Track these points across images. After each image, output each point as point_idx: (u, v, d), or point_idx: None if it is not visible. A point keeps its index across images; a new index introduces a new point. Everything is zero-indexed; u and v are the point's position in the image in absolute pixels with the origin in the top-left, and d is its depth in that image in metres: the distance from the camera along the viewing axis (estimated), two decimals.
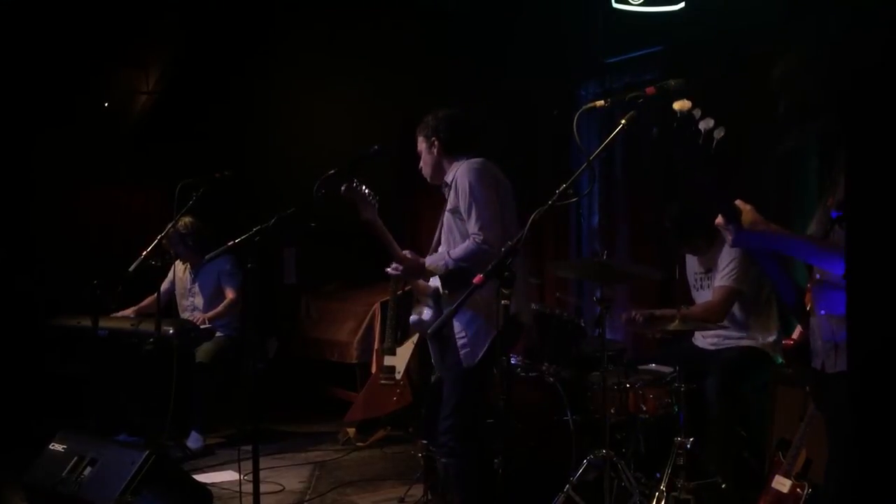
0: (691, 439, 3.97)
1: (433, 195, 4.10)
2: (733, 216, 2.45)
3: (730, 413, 4.31)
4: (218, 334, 5.81)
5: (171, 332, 5.29)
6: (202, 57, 6.92)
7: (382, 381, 5.87)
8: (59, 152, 6.68)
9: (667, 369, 4.51)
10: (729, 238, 2.49)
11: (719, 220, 2.49)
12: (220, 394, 5.89)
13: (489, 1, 6.15)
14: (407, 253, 3.84)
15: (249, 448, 3.67)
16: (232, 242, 3.77)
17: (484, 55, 6.48)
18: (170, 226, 4.92)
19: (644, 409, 4.34)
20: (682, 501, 3.90)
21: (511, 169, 3.97)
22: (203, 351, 5.71)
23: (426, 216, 7.19)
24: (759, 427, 4.46)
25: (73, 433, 4.28)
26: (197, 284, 6.05)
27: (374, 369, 6.12)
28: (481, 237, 3.60)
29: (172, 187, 4.64)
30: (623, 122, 2.76)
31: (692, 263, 4.77)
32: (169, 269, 6.13)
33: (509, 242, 2.80)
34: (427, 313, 3.97)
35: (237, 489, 4.28)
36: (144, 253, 4.60)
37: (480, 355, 3.63)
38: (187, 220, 5.72)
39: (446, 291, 3.79)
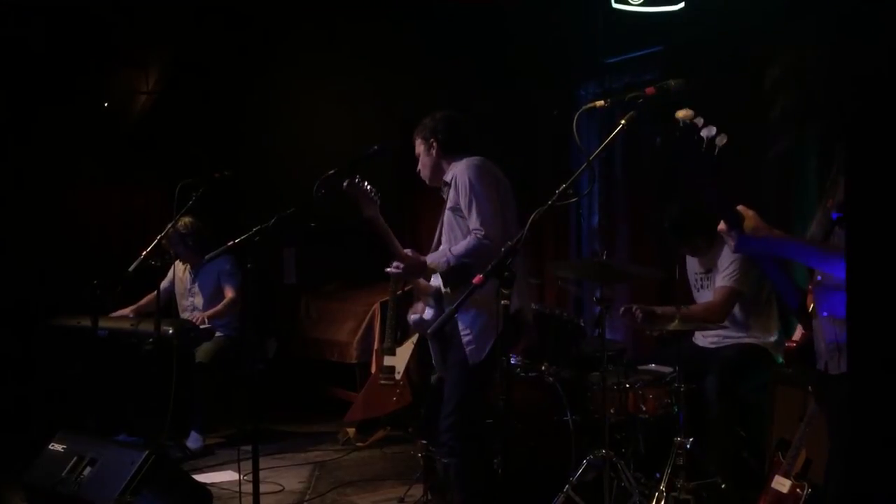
0: (691, 439, 3.97)
1: (433, 195, 4.10)
2: (735, 222, 2.45)
3: (729, 413, 4.31)
4: (218, 334, 5.81)
5: (170, 332, 5.29)
6: (202, 57, 6.92)
7: (382, 382, 5.87)
8: (58, 152, 6.67)
9: (666, 369, 4.51)
10: (731, 244, 2.49)
11: (722, 226, 2.49)
12: (219, 394, 5.89)
13: (489, 1, 6.15)
14: (408, 251, 3.84)
15: (249, 448, 3.67)
16: (232, 242, 3.77)
17: (484, 55, 6.48)
18: (169, 226, 4.92)
19: (644, 409, 4.34)
20: (682, 501, 3.90)
21: (511, 169, 3.98)
22: (203, 351, 5.71)
23: (426, 216, 7.18)
24: (758, 427, 4.46)
25: (72, 433, 4.28)
26: (197, 284, 6.05)
27: (373, 369, 6.12)
28: (482, 232, 3.61)
29: (172, 187, 4.64)
30: (623, 122, 2.77)
31: (692, 264, 4.77)
32: (169, 269, 6.13)
33: (509, 242, 2.80)
34: (428, 313, 3.97)
35: (237, 489, 4.28)
36: (144, 253, 4.60)
37: (487, 351, 3.64)
38: (187, 220, 5.72)
39: (448, 289, 3.79)
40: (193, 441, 5.65)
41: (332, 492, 4.91)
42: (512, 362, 4.54)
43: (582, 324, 4.97)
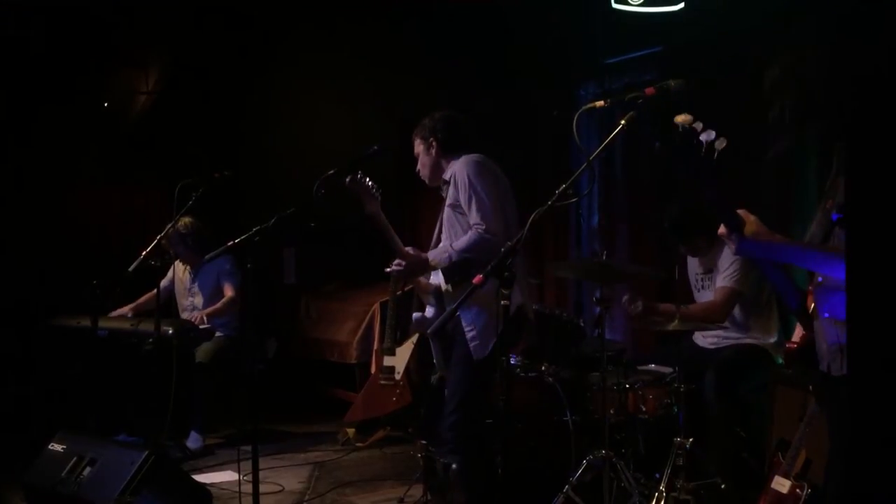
0: (691, 440, 3.97)
1: (433, 194, 4.11)
2: (735, 226, 2.45)
3: (729, 413, 4.31)
4: (217, 334, 5.81)
5: (170, 332, 5.29)
6: (202, 57, 6.92)
7: (382, 382, 5.87)
8: (58, 152, 6.67)
9: (666, 369, 4.51)
10: (732, 247, 2.49)
11: (722, 230, 2.49)
12: (219, 394, 5.89)
13: (489, 1, 6.15)
14: (409, 249, 3.84)
15: (249, 448, 3.67)
16: (232, 242, 3.77)
17: (484, 55, 6.48)
18: (169, 226, 4.92)
19: (643, 409, 4.35)
20: (682, 502, 3.90)
21: (511, 169, 3.98)
22: (203, 351, 5.71)
23: (426, 214, 7.18)
24: (758, 427, 4.46)
25: (72, 433, 4.27)
26: (196, 284, 6.05)
27: (373, 369, 6.12)
28: (483, 227, 3.62)
29: (172, 187, 4.64)
30: (623, 122, 2.77)
31: (693, 264, 4.77)
32: (168, 269, 6.13)
33: (509, 243, 2.81)
34: (429, 311, 3.97)
35: (236, 489, 4.28)
36: (144, 253, 4.60)
37: (490, 347, 3.65)
38: (187, 220, 5.71)
39: (449, 286, 3.79)
40: (193, 441, 5.65)
41: (332, 492, 4.91)
42: (512, 362, 4.54)
43: (582, 324, 4.97)
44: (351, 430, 5.96)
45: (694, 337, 4.72)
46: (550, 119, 6.17)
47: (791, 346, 2.89)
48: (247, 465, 3.79)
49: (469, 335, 3.68)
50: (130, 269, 4.53)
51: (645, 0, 5.14)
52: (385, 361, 5.90)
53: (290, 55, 7.00)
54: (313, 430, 6.39)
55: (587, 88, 6.33)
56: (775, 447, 3.85)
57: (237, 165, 5.34)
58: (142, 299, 5.98)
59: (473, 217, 3.66)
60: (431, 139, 3.89)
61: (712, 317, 4.43)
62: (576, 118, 2.81)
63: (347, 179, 3.71)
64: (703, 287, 4.68)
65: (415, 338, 5.81)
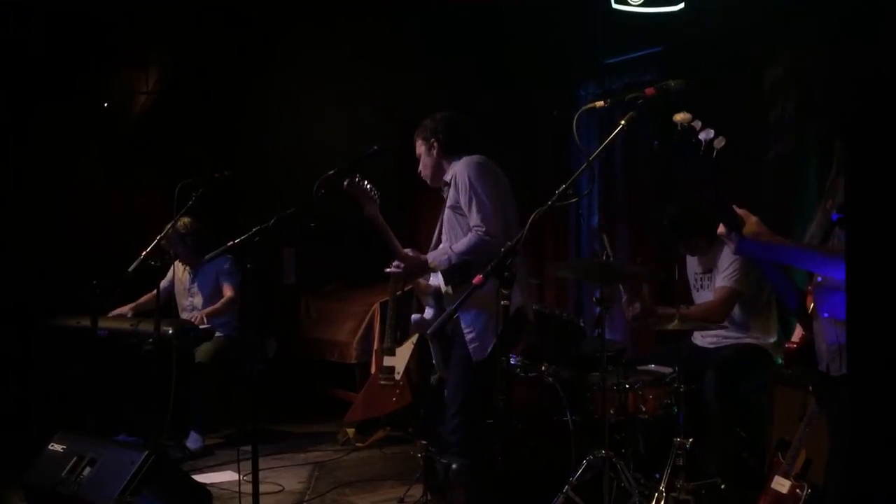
0: (691, 440, 3.97)
1: (433, 194, 4.11)
2: (735, 225, 2.45)
3: (729, 413, 4.31)
4: (217, 334, 5.81)
5: (170, 332, 5.28)
6: (202, 57, 6.92)
7: (382, 382, 5.87)
8: (58, 152, 6.67)
9: (666, 370, 4.51)
10: (731, 246, 2.49)
11: (721, 229, 2.49)
12: (219, 394, 5.89)
13: (489, 1, 6.15)
14: (408, 251, 3.84)
15: (249, 448, 3.67)
16: (232, 242, 3.77)
17: (484, 55, 6.48)
18: (169, 226, 4.92)
19: (643, 409, 4.34)
20: (682, 502, 3.90)
21: (511, 169, 3.98)
22: (202, 351, 5.71)
23: (426, 215, 7.18)
24: (758, 427, 4.46)
25: (72, 433, 4.27)
26: (196, 284, 6.05)
27: (373, 369, 6.12)
28: (483, 229, 3.62)
29: (172, 187, 4.64)
30: (623, 122, 2.77)
31: (692, 264, 4.77)
32: (168, 269, 6.13)
33: (509, 243, 2.81)
34: (428, 312, 3.97)
35: (236, 489, 4.28)
36: (144, 253, 4.59)
37: (489, 349, 3.64)
38: (186, 220, 5.71)
39: (449, 288, 3.79)
40: (193, 441, 5.64)
41: (332, 492, 4.91)
42: (512, 362, 4.54)
43: (582, 324, 4.97)
44: (351, 430, 5.96)
45: (693, 337, 4.72)
46: (550, 119, 6.16)
47: (790, 346, 2.89)
48: (247, 465, 3.79)
49: (468, 337, 3.68)
50: (130, 269, 4.53)
51: (645, 0, 5.14)
52: (385, 361, 5.90)
53: (290, 55, 7.00)
54: (313, 430, 6.39)
55: (587, 88, 6.33)
56: (775, 447, 3.85)
57: (237, 165, 5.34)
58: (142, 299, 5.98)
59: (473, 219, 3.66)
60: (433, 140, 3.90)
61: (711, 317, 4.42)
62: (576, 118, 2.81)
63: (345, 183, 3.72)
64: (702, 287, 4.68)
65: (415, 338, 5.81)
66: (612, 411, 4.22)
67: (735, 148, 2.42)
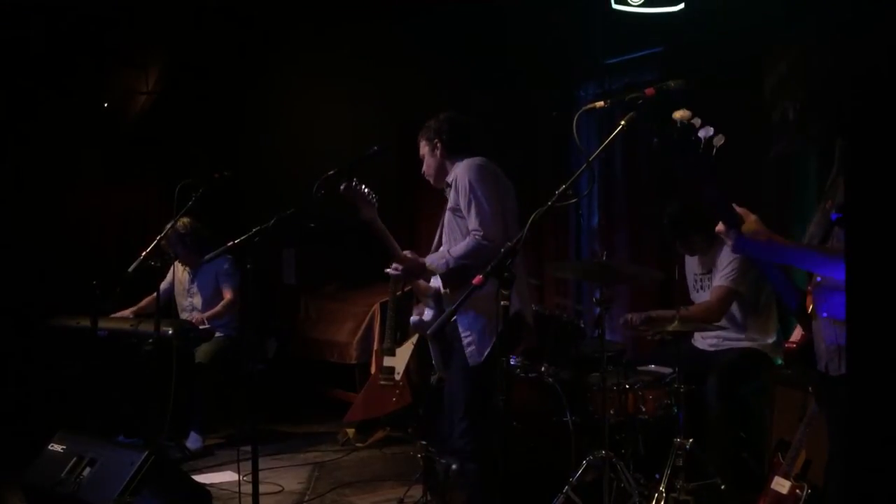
0: (690, 440, 3.97)
1: (432, 195, 4.11)
2: (734, 223, 2.45)
3: (729, 414, 4.31)
4: (217, 335, 5.81)
5: (170, 332, 5.29)
6: (201, 57, 6.92)
7: (382, 382, 5.87)
8: (58, 152, 6.67)
9: (666, 370, 4.51)
10: (729, 243, 2.49)
11: (720, 227, 2.49)
12: (219, 394, 5.89)
13: (489, 1, 6.15)
14: (407, 253, 3.84)
15: (248, 448, 3.67)
16: (231, 243, 3.77)
17: (484, 55, 6.48)
18: (169, 226, 4.92)
19: (643, 409, 4.34)
20: (682, 502, 3.90)
21: (511, 169, 3.98)
22: (202, 351, 5.71)
23: (426, 216, 7.18)
24: (758, 428, 4.46)
25: (72, 433, 4.27)
26: (196, 285, 6.05)
27: (373, 370, 6.12)
28: (481, 233, 3.62)
29: (171, 187, 4.64)
30: (623, 123, 2.76)
31: (692, 264, 4.77)
32: (169, 269, 6.13)
33: (509, 243, 2.80)
34: (428, 313, 3.97)
35: (236, 490, 4.28)
36: (144, 253, 4.59)
37: (486, 354, 3.64)
38: (186, 220, 5.71)
39: (447, 290, 3.79)
40: (193, 441, 5.64)
41: (332, 492, 4.91)
42: (512, 363, 4.54)
43: (582, 324, 4.97)
44: (351, 431, 5.96)
45: (693, 339, 4.72)
46: (550, 119, 6.16)
47: (790, 345, 2.89)
48: (246, 466, 3.79)
49: (465, 341, 3.67)
50: (130, 269, 4.52)
51: (645, 0, 5.14)
52: (385, 362, 5.90)
53: (289, 55, 7.00)
54: (313, 430, 6.39)
55: (587, 89, 6.32)
56: (775, 448, 3.86)
57: (237, 165, 5.35)
58: (143, 303, 5.97)
59: (472, 223, 3.66)
60: (436, 140, 3.89)
61: (709, 316, 4.42)
62: (576, 119, 2.81)
63: (342, 187, 3.71)
64: (701, 287, 4.67)
65: (414, 338, 5.81)
66: (612, 412, 4.22)
67: (735, 148, 2.41)
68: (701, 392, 4.29)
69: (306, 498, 4.83)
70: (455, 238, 3.77)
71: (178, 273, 6.16)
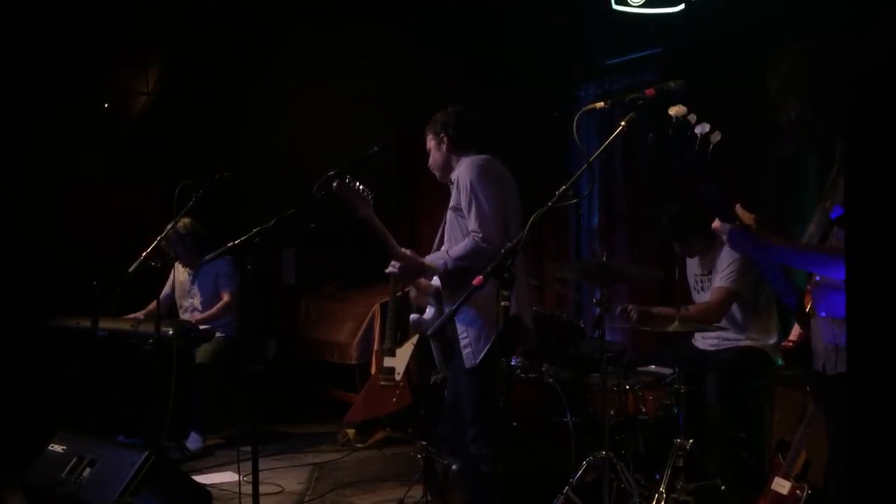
0: (691, 441, 3.97)
1: (432, 195, 4.11)
2: (729, 217, 2.45)
3: (729, 414, 4.31)
4: (218, 335, 5.81)
5: (170, 332, 5.29)
6: (202, 57, 6.92)
7: (382, 383, 5.87)
8: (58, 152, 6.67)
9: (666, 371, 4.51)
10: (725, 238, 2.49)
11: (716, 223, 2.49)
12: (219, 395, 5.89)
13: (489, 1, 6.15)
14: (406, 251, 3.82)
15: (249, 449, 3.66)
16: (232, 243, 3.76)
17: (484, 55, 6.48)
18: (169, 227, 4.92)
19: (643, 410, 4.34)
20: (682, 503, 3.90)
21: (511, 170, 3.97)
22: (203, 352, 5.71)
23: (426, 216, 7.18)
24: (758, 428, 4.46)
25: (72, 434, 4.27)
26: (196, 285, 6.05)
27: (373, 370, 6.12)
28: (480, 235, 3.60)
29: (171, 188, 4.64)
30: (623, 123, 2.76)
31: (692, 265, 4.78)
32: (170, 269, 6.13)
33: (509, 244, 2.80)
34: (429, 312, 3.96)
35: (236, 490, 4.28)
36: (144, 254, 4.59)
37: (481, 356, 3.63)
38: (186, 220, 5.71)
39: (447, 291, 3.79)
40: (193, 442, 5.64)
41: (332, 493, 4.91)
42: (512, 363, 4.53)
43: (582, 325, 4.97)
44: (351, 431, 5.96)
45: (693, 339, 4.72)
46: (550, 120, 6.16)
47: (787, 344, 2.89)
48: (247, 466, 3.78)
49: (462, 342, 3.66)
50: (130, 269, 4.52)
51: (645, 1, 5.14)
52: (385, 362, 5.90)
53: (289, 55, 7.00)
54: (313, 430, 6.39)
55: (587, 89, 6.32)
56: (775, 448, 3.85)
57: (237, 166, 5.34)
58: (151, 306, 5.95)
59: (472, 223, 3.64)
60: (442, 135, 3.87)
61: (709, 317, 4.42)
62: (576, 119, 2.81)
63: (335, 184, 3.65)
64: (702, 288, 4.68)
65: (415, 338, 5.80)
66: (612, 412, 4.22)
67: (736, 148, 2.41)
68: (701, 392, 4.29)
69: (306, 498, 4.83)
70: (456, 237, 3.76)
71: (179, 274, 6.16)
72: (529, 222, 2.72)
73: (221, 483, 4.92)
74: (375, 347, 6.26)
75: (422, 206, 7.29)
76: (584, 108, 2.88)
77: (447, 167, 3.90)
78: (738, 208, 2.48)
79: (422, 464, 4.44)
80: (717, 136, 2.31)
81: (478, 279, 2.73)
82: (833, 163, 2.66)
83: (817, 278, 2.63)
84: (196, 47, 6.84)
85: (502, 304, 2.76)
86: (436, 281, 3.89)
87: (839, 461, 2.65)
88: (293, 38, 6.91)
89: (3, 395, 5.65)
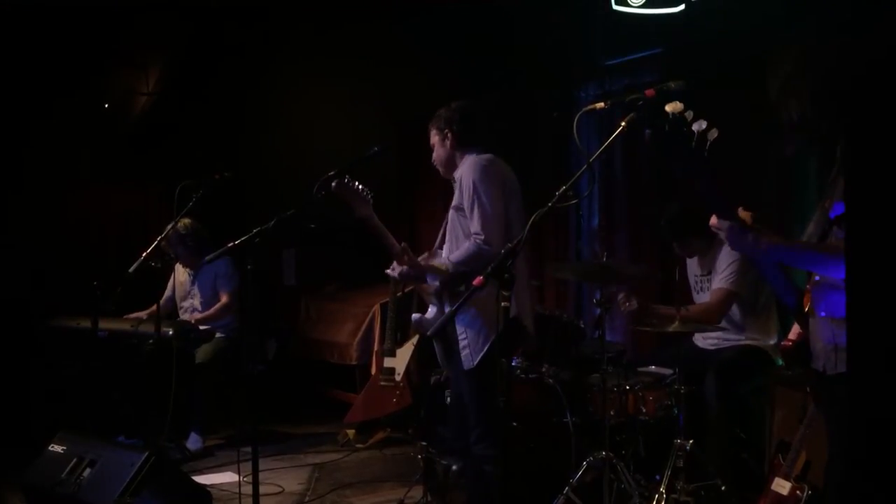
0: (691, 441, 3.97)
1: (432, 195, 4.11)
2: (727, 214, 2.45)
3: (729, 415, 4.31)
4: (218, 335, 5.81)
5: (170, 333, 5.29)
6: (201, 58, 6.92)
7: (382, 383, 5.87)
8: (58, 152, 6.67)
9: (666, 371, 4.51)
10: (723, 235, 2.48)
11: (714, 220, 2.48)
12: (219, 395, 5.89)
13: (489, 1, 6.15)
14: (405, 245, 3.79)
15: (249, 449, 3.66)
16: (232, 244, 3.76)
17: (484, 55, 6.48)
18: (169, 227, 4.92)
19: (644, 410, 4.34)
20: (682, 503, 3.90)
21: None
22: (203, 352, 5.72)
23: (426, 216, 7.19)
24: (758, 428, 4.46)
25: (72, 434, 4.27)
26: (196, 286, 6.05)
27: (373, 371, 6.12)
28: (482, 237, 3.58)
29: (172, 188, 4.64)
30: (623, 124, 2.76)
31: (692, 266, 4.78)
32: (170, 270, 6.13)
33: (509, 244, 2.79)
34: (431, 311, 3.95)
35: (236, 490, 4.28)
36: (144, 254, 4.59)
37: (478, 358, 3.61)
38: (186, 221, 5.71)
39: (447, 292, 3.78)
40: (193, 442, 5.64)
41: (332, 493, 4.91)
42: (513, 364, 4.53)
43: (582, 325, 4.97)
44: (351, 432, 5.96)
45: (694, 338, 4.72)
46: (550, 120, 6.16)
47: (787, 344, 2.89)
48: (247, 467, 3.78)
49: (461, 343, 3.65)
50: (131, 269, 4.52)
51: (645, 1, 5.14)
52: (385, 363, 5.90)
53: (290, 55, 7.00)
54: (313, 431, 6.39)
55: (587, 89, 6.32)
56: (775, 449, 3.85)
57: (237, 166, 5.34)
58: (153, 308, 5.95)
59: (474, 225, 3.61)
60: (447, 131, 3.83)
61: (708, 318, 4.42)
62: (576, 119, 2.80)
63: (334, 184, 3.63)
64: (702, 289, 4.67)
65: (415, 339, 5.80)
66: (612, 413, 4.22)
67: (736, 149, 2.41)
68: (701, 392, 4.29)
69: (306, 499, 4.83)
70: (457, 237, 3.74)
71: (179, 274, 6.16)
72: (529, 223, 2.72)
73: (221, 483, 4.92)
74: (375, 348, 6.26)
75: (422, 206, 7.29)
76: (585, 109, 2.88)
77: (451, 164, 3.86)
78: (740, 211, 2.48)
79: (422, 464, 4.44)
80: (714, 133, 2.29)
81: (478, 279, 2.73)
82: (833, 163, 2.66)
83: (817, 278, 2.62)
84: (196, 47, 6.84)
85: (502, 304, 2.75)
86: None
87: (839, 461, 2.65)
88: (293, 39, 6.91)
89: (3, 395, 5.65)
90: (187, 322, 5.75)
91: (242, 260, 3.77)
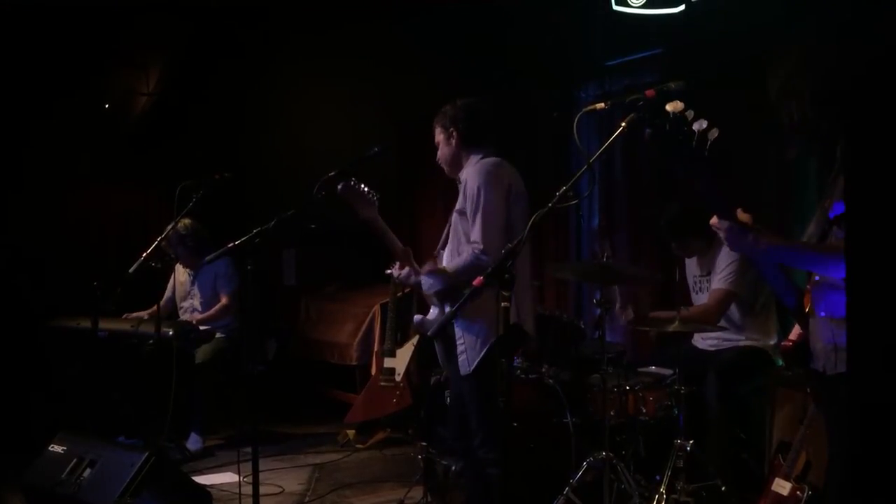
0: (691, 441, 3.97)
1: (432, 195, 4.10)
2: (726, 213, 2.44)
3: (729, 415, 4.30)
4: (218, 335, 5.82)
5: (170, 333, 5.29)
6: (202, 59, 6.92)
7: (382, 383, 5.87)
8: (58, 152, 6.68)
9: (666, 371, 4.50)
10: (723, 235, 2.48)
11: (714, 220, 2.48)
12: (219, 395, 5.89)
13: (489, 1, 6.15)
14: (408, 250, 3.79)
15: (249, 450, 3.66)
16: (232, 244, 3.76)
17: (484, 55, 6.48)
18: (169, 227, 4.92)
19: (644, 411, 4.34)
20: (682, 503, 3.90)
21: None
22: (203, 352, 5.72)
23: (426, 216, 7.19)
24: (758, 429, 4.46)
25: (73, 434, 4.28)
26: (196, 286, 6.05)
27: (373, 371, 6.12)
28: (481, 247, 3.53)
29: (172, 189, 4.64)
30: (623, 124, 2.75)
31: (691, 266, 4.77)
32: (170, 270, 6.13)
33: (509, 245, 2.79)
34: (432, 312, 3.94)
35: (237, 491, 4.28)
36: (145, 254, 4.59)
37: (475, 364, 3.58)
38: (186, 221, 5.71)
39: (448, 293, 3.77)
40: (193, 442, 5.65)
41: (332, 493, 4.91)
42: (513, 364, 4.53)
43: (582, 326, 4.96)
44: (351, 432, 5.96)
45: (693, 339, 4.72)
46: (550, 120, 6.16)
47: (787, 344, 2.88)
48: (247, 467, 3.78)
49: (459, 348, 3.63)
50: (131, 270, 4.52)
51: (646, 2, 5.14)
52: (385, 363, 5.90)
53: (290, 55, 7.00)
54: (313, 431, 6.39)
55: (587, 90, 6.32)
56: (776, 449, 3.85)
57: (237, 166, 5.34)
58: (153, 309, 5.95)
59: (474, 233, 3.56)
60: (452, 129, 3.75)
61: (707, 318, 4.42)
62: (576, 120, 2.80)
63: (340, 187, 3.60)
64: (700, 289, 4.67)
65: (415, 339, 5.81)
66: (612, 413, 4.22)
67: (736, 149, 2.41)
68: (701, 393, 4.29)
69: (307, 499, 4.83)
70: (459, 241, 3.70)
71: (179, 275, 6.16)
72: (530, 223, 2.71)
73: (221, 484, 4.92)
74: (376, 348, 6.26)
75: (422, 206, 7.29)
76: (585, 109, 2.87)
77: (456, 163, 3.79)
78: (739, 213, 2.47)
79: (422, 465, 4.45)
80: (714, 133, 2.29)
81: (478, 280, 2.73)
82: (833, 163, 2.66)
83: (816, 278, 2.62)
84: (196, 47, 6.84)
85: (503, 304, 2.74)
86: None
87: (839, 461, 2.65)
88: (293, 39, 6.91)
89: (4, 396, 5.66)
90: (187, 322, 5.75)
91: (242, 260, 3.76)
